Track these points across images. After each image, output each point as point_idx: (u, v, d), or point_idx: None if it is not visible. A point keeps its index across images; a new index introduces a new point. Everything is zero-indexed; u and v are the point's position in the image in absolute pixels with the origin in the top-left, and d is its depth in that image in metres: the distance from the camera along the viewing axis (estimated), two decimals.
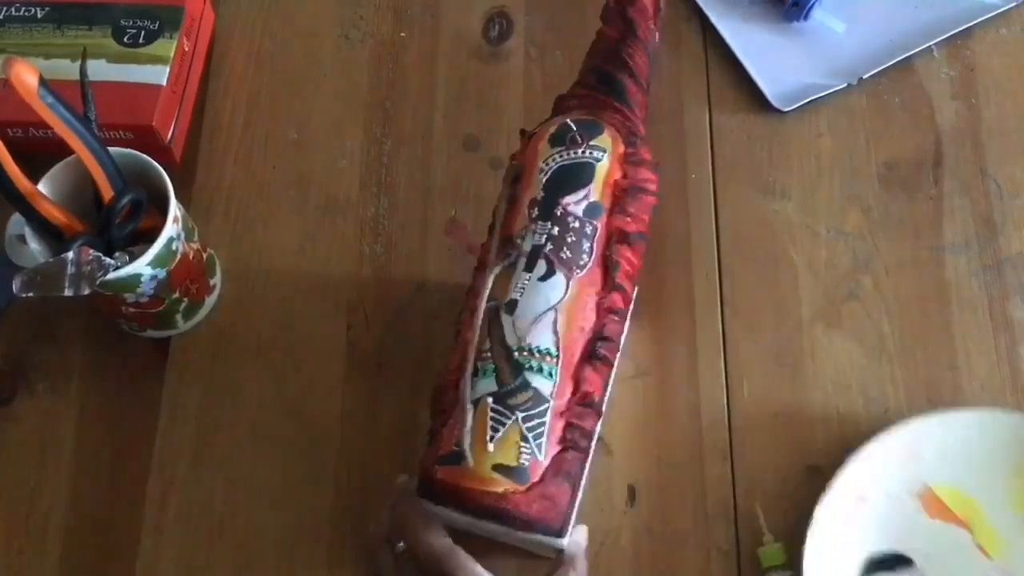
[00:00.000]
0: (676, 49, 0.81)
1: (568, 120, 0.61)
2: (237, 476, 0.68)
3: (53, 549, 0.67)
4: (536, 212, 0.58)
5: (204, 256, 0.71)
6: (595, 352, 0.57)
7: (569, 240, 0.58)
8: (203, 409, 0.70)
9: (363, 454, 0.69)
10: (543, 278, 0.57)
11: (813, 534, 0.62)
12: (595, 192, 0.59)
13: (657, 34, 0.65)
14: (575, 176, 0.59)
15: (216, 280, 0.73)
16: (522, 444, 0.55)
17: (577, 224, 0.58)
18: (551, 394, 0.56)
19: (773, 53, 0.80)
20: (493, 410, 0.55)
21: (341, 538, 0.66)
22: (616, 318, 0.59)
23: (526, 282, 0.57)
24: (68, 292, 0.60)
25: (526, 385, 0.56)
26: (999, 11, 0.80)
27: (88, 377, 0.71)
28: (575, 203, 0.58)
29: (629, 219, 0.59)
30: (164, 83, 0.74)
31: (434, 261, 0.74)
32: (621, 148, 0.60)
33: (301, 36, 0.83)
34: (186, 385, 0.71)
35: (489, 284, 0.58)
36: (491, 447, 0.55)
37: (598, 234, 0.58)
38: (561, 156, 0.59)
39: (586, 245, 0.58)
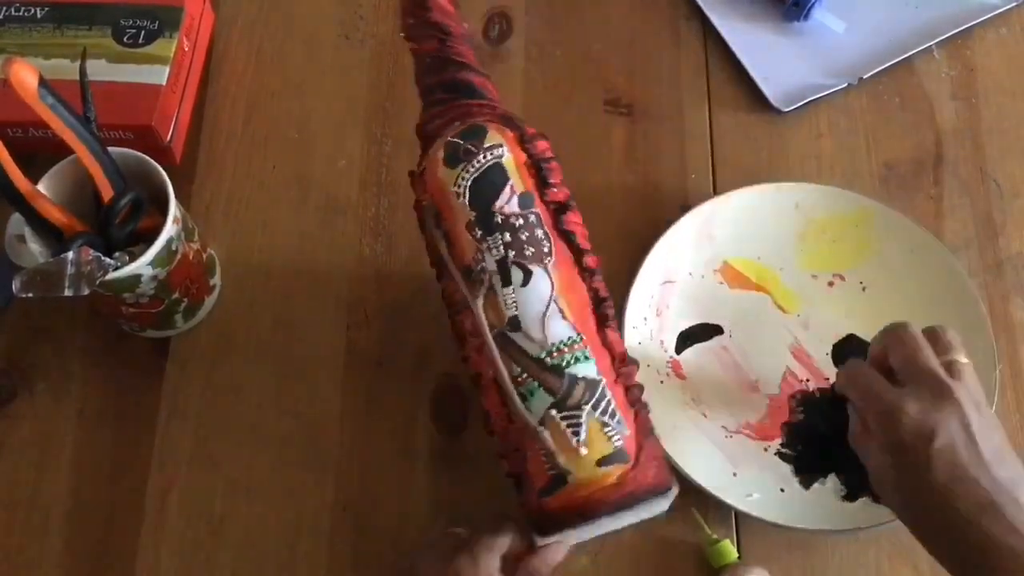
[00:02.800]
0: (676, 49, 0.81)
1: (450, 138, 0.60)
2: (237, 476, 0.68)
3: (53, 549, 0.67)
4: (479, 232, 0.58)
5: (204, 256, 0.71)
6: (604, 314, 0.58)
7: (524, 237, 0.58)
8: (203, 409, 0.70)
9: (363, 454, 0.69)
10: (525, 283, 0.57)
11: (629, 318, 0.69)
12: (518, 184, 0.58)
13: (463, 20, 0.64)
14: (491, 181, 0.58)
15: (216, 280, 0.73)
16: (606, 429, 0.55)
17: (521, 220, 0.58)
18: (598, 372, 0.56)
19: (773, 53, 0.80)
20: (563, 418, 0.55)
21: (341, 538, 0.66)
22: (599, 277, 0.59)
23: (512, 294, 0.57)
24: (68, 292, 0.60)
25: (574, 379, 0.55)
26: (999, 11, 0.81)
27: (88, 377, 0.71)
28: (506, 203, 0.58)
29: (556, 189, 0.59)
30: (164, 83, 0.74)
31: None
32: (510, 134, 0.60)
33: (301, 36, 0.83)
34: (186, 385, 0.71)
35: (481, 317, 0.58)
36: (583, 450, 0.54)
37: (543, 217, 0.58)
38: (467, 171, 0.59)
39: (540, 233, 0.58)
